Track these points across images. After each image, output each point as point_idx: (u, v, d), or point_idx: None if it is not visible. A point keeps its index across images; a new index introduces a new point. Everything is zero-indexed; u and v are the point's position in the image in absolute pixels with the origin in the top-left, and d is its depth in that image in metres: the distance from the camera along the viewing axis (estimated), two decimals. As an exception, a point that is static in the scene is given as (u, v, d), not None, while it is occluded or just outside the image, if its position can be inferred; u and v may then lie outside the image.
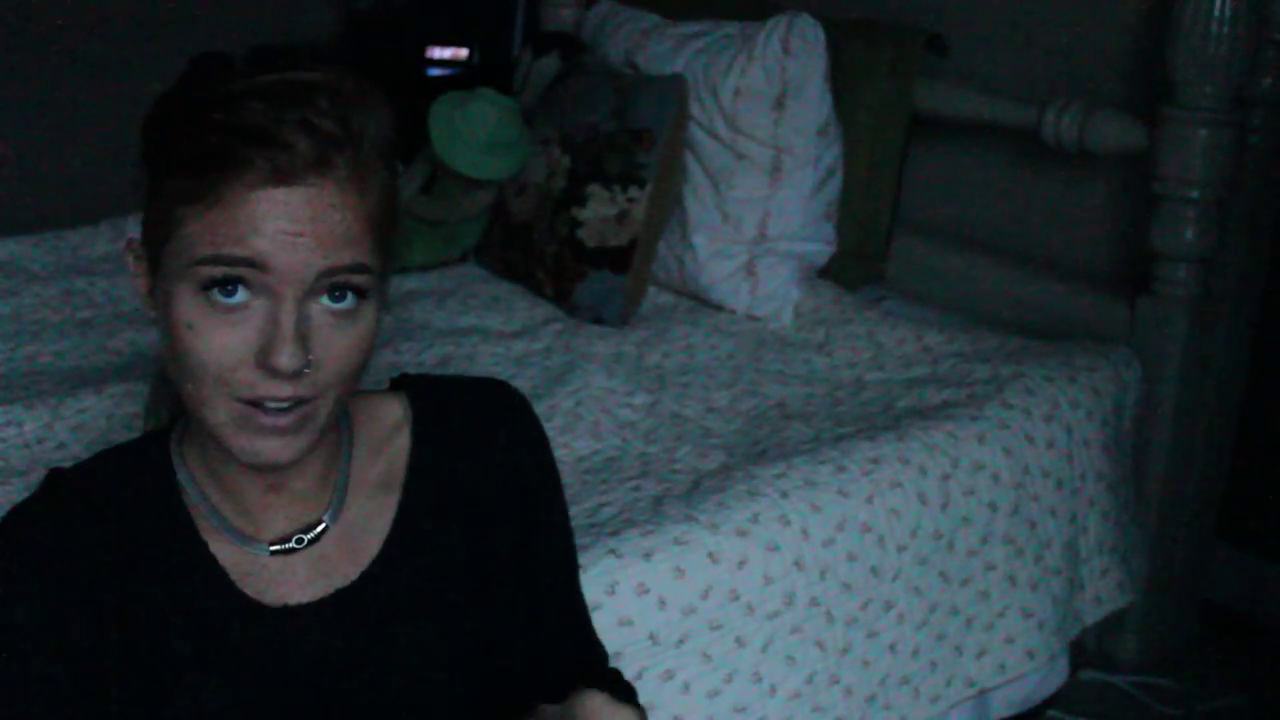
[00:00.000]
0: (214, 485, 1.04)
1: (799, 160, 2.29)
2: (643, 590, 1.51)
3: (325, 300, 0.94)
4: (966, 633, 1.82)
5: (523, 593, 1.11)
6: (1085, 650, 2.20)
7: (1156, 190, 2.09)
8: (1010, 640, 1.85)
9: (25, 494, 1.06)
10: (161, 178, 0.95)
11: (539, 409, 1.17)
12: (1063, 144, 2.19)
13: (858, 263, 2.43)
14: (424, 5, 3.23)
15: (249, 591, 1.03)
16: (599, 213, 2.28)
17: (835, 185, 2.35)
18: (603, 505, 1.66)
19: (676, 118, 2.30)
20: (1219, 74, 2.00)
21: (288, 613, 1.03)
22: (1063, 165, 2.34)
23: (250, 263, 0.91)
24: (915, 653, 1.77)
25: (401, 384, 1.14)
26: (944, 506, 1.78)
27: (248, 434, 0.95)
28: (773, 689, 1.62)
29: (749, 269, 2.29)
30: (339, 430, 1.07)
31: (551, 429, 1.19)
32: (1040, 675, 1.92)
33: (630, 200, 2.27)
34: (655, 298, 2.37)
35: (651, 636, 1.52)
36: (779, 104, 2.26)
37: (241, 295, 0.92)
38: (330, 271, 0.93)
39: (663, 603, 1.52)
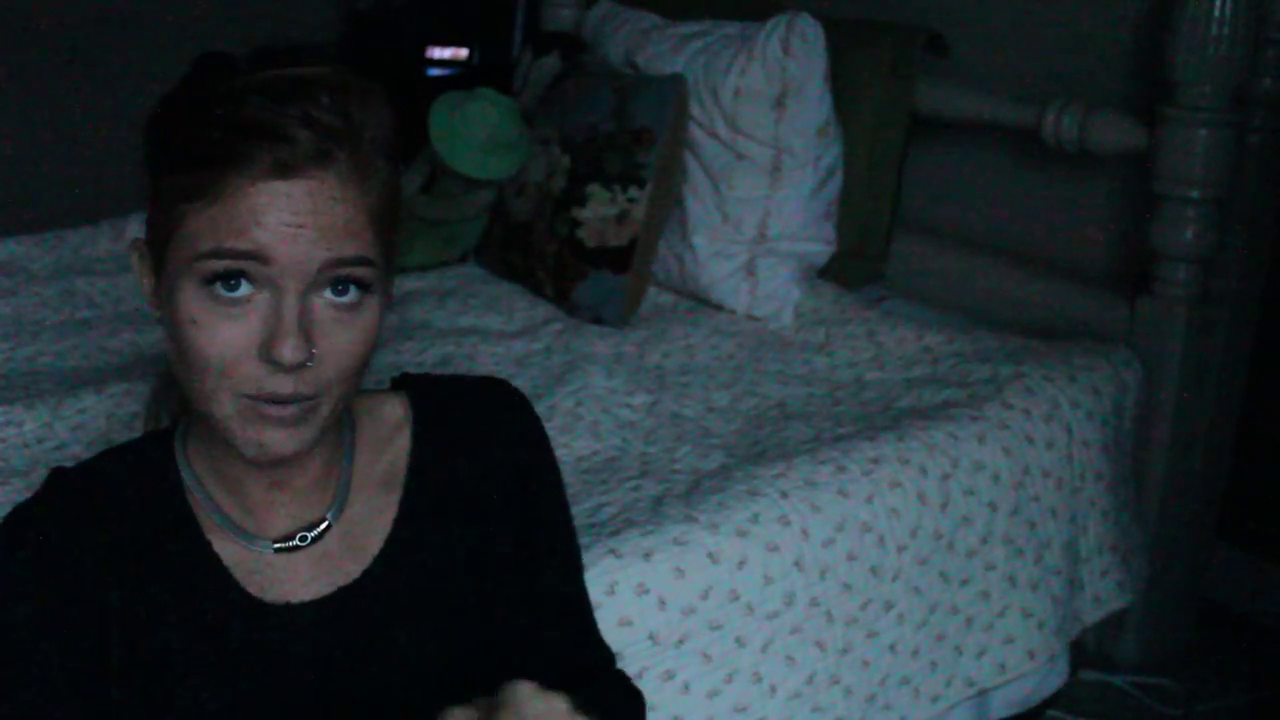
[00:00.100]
0: (217, 483, 1.04)
1: (799, 160, 2.29)
2: (643, 590, 1.51)
3: (328, 293, 0.94)
4: (966, 633, 1.82)
5: (523, 592, 1.11)
6: (1085, 650, 2.20)
7: (1156, 190, 2.09)
8: (1010, 640, 1.85)
9: (25, 494, 1.06)
10: (164, 176, 0.96)
11: (539, 409, 1.17)
12: (1063, 144, 2.19)
13: (858, 263, 2.43)
14: (424, 5, 3.23)
15: (251, 589, 1.03)
16: (599, 213, 2.29)
17: (835, 185, 2.35)
18: (603, 505, 1.66)
19: (676, 118, 2.30)
20: (1219, 74, 2.00)
21: (290, 610, 1.03)
22: (1063, 165, 2.34)
23: (252, 255, 0.92)
24: (915, 653, 1.77)
25: (403, 383, 1.14)
26: (944, 506, 1.78)
27: (253, 426, 0.95)
28: (773, 689, 1.62)
29: (749, 269, 2.29)
30: (341, 429, 1.07)
31: (551, 429, 1.20)
32: (1040, 675, 1.92)
33: (630, 200, 2.27)
34: (655, 298, 2.37)
35: (651, 636, 1.52)
36: (779, 104, 2.26)
37: (245, 289, 0.93)
38: (332, 263, 0.93)
39: (663, 603, 1.53)
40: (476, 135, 2.37)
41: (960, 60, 2.40)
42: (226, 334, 0.93)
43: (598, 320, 2.27)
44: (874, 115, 2.39)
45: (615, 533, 1.56)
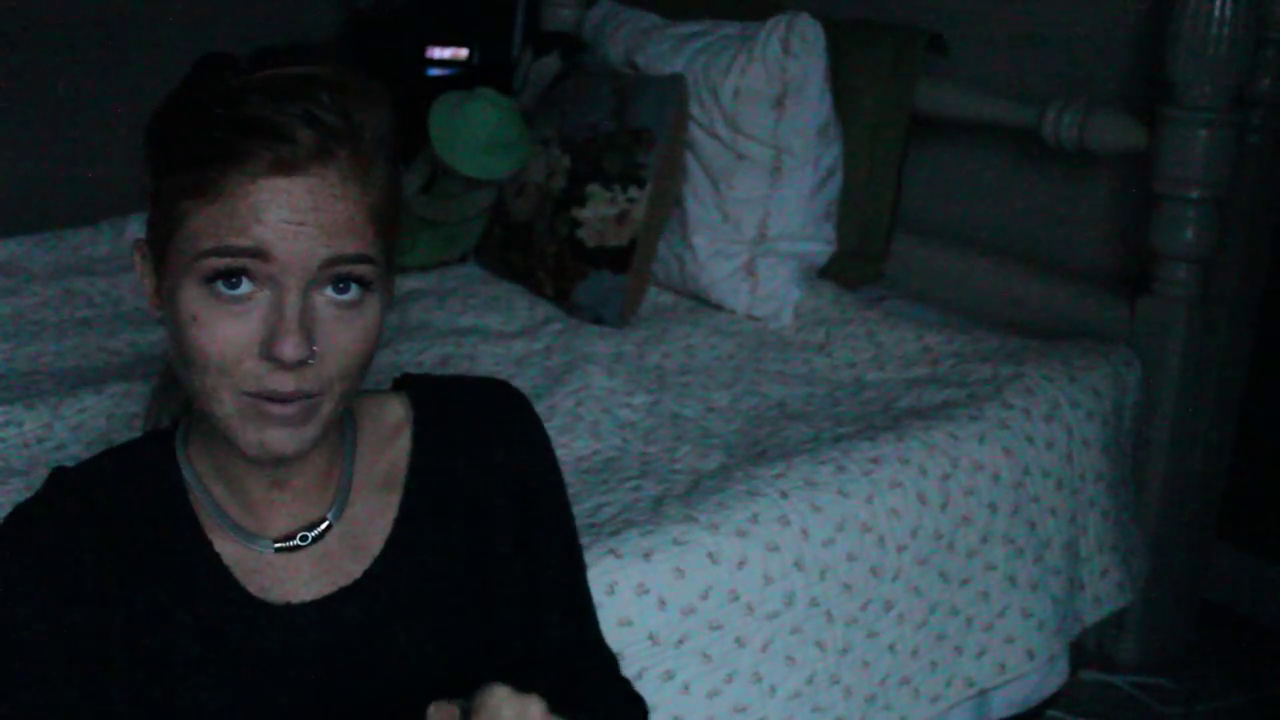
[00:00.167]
0: (218, 483, 1.04)
1: (799, 160, 2.29)
2: (642, 590, 1.51)
3: (329, 291, 0.94)
4: (966, 633, 1.82)
5: (523, 593, 1.11)
6: (1085, 650, 2.20)
7: (1156, 190, 2.09)
8: (1010, 640, 1.85)
9: (25, 494, 1.06)
10: (165, 175, 0.96)
11: (539, 409, 1.17)
12: (1063, 144, 2.19)
13: (858, 263, 2.43)
14: (424, 5, 3.23)
15: (252, 589, 1.03)
16: (599, 213, 2.29)
17: (835, 185, 2.35)
18: (603, 505, 1.66)
19: (676, 118, 2.30)
20: (1219, 74, 2.00)
21: (290, 610, 1.03)
22: (1063, 165, 2.34)
23: (253, 252, 0.92)
24: (915, 653, 1.77)
25: (404, 384, 1.14)
26: (944, 506, 1.78)
27: (255, 425, 0.95)
28: (773, 689, 1.62)
29: (749, 269, 2.29)
30: (342, 429, 1.07)
31: (551, 429, 1.20)
32: (1040, 675, 1.92)
33: (630, 200, 2.27)
34: (655, 298, 2.37)
35: (651, 636, 1.52)
36: (779, 104, 2.26)
37: (246, 287, 0.93)
38: (333, 261, 0.93)
39: (662, 603, 1.53)
40: (476, 135, 2.37)
41: (960, 60, 2.40)
42: (228, 331, 0.93)
43: (598, 320, 2.27)
44: (874, 115, 2.39)
45: (615, 533, 1.56)
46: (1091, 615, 2.00)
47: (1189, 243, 2.09)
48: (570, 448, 1.83)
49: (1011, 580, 1.85)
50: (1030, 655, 1.87)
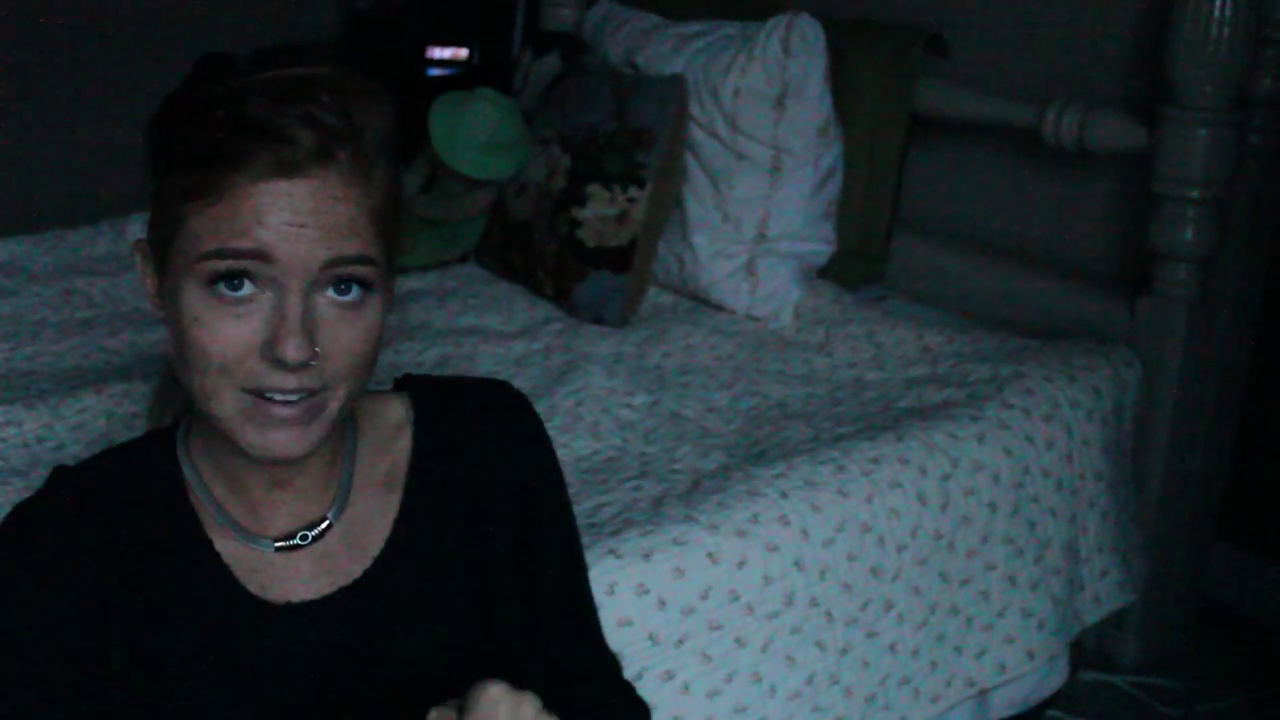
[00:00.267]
0: (219, 481, 1.04)
1: (799, 160, 2.29)
2: (642, 590, 1.51)
3: (331, 292, 0.95)
4: (966, 633, 1.82)
5: (523, 593, 1.11)
6: (1085, 650, 2.20)
7: (1156, 190, 2.09)
8: (1010, 640, 1.85)
9: (25, 494, 1.06)
10: (165, 176, 0.96)
11: (539, 409, 1.17)
12: (1063, 144, 2.19)
13: (858, 263, 2.43)
14: (424, 5, 3.23)
15: (252, 588, 1.03)
16: (599, 213, 2.29)
17: (835, 185, 2.35)
18: (603, 505, 1.66)
19: (676, 118, 2.30)
20: (1219, 74, 2.00)
21: (290, 609, 1.03)
22: (1063, 165, 2.34)
23: (255, 255, 0.92)
24: (915, 653, 1.77)
25: (404, 384, 1.14)
26: (944, 506, 1.78)
27: (257, 427, 0.95)
28: (773, 689, 1.62)
29: (749, 269, 2.29)
30: (343, 429, 1.07)
31: (551, 429, 1.20)
32: (1040, 675, 1.92)
33: (630, 200, 2.27)
34: (655, 298, 2.37)
35: (651, 637, 1.52)
36: (779, 104, 2.26)
37: (248, 288, 0.93)
38: (334, 262, 0.93)
39: (662, 603, 1.53)
40: (476, 135, 2.37)
41: (960, 60, 2.40)
42: (230, 333, 0.93)
43: (598, 320, 2.27)
44: (874, 115, 2.39)
45: (615, 533, 1.56)
46: (1091, 615, 2.00)
47: (1189, 243, 2.09)
48: (570, 448, 1.83)
49: (1011, 580, 1.85)
50: (1030, 655, 1.87)
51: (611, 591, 1.48)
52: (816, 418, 1.94)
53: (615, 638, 1.41)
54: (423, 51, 3.22)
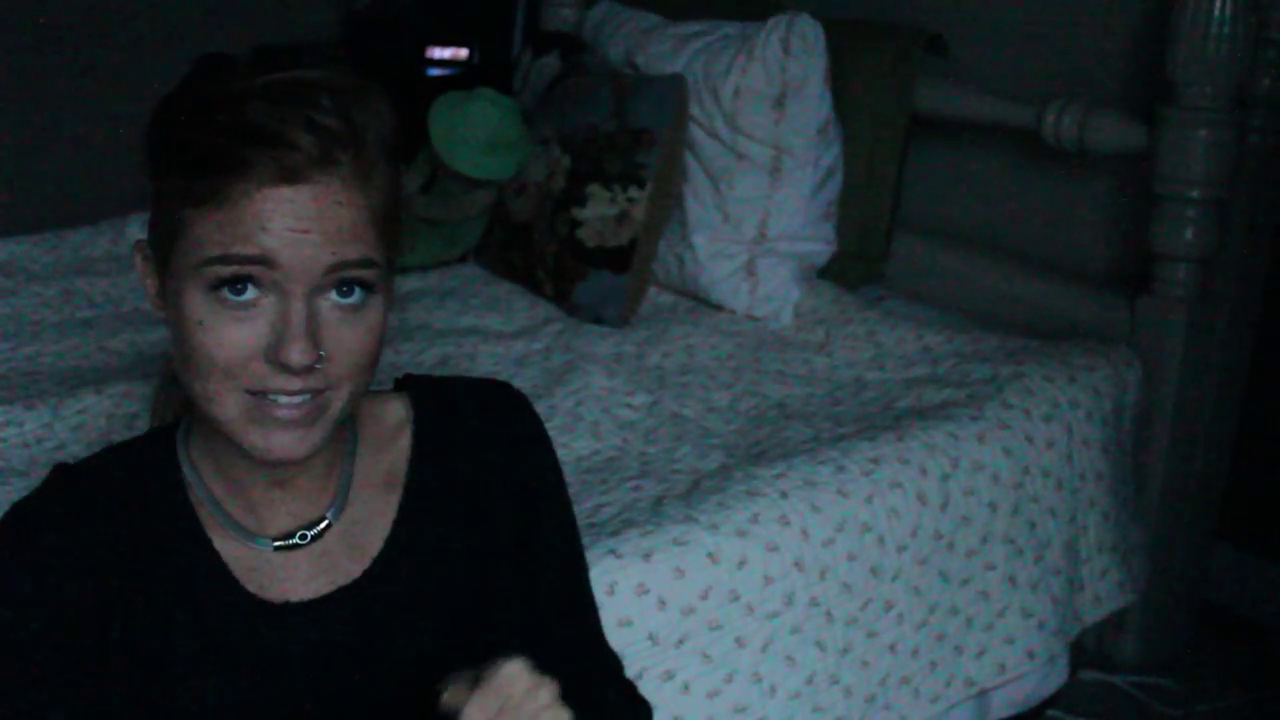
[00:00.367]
0: (218, 481, 1.04)
1: (799, 160, 2.29)
2: (642, 590, 1.51)
3: (333, 295, 0.95)
4: (966, 633, 1.82)
5: (523, 593, 1.11)
6: (1085, 650, 2.20)
7: (1156, 190, 2.09)
8: (1010, 640, 1.85)
9: (26, 494, 1.06)
10: (167, 179, 0.96)
11: (539, 409, 1.17)
12: (1063, 144, 2.19)
13: (858, 263, 2.43)
14: (424, 5, 3.23)
15: (251, 587, 1.03)
16: (599, 213, 2.29)
17: (835, 185, 2.35)
18: (603, 505, 1.66)
19: (676, 118, 2.30)
20: (1219, 74, 2.00)
21: (289, 609, 1.03)
22: (1063, 165, 2.34)
23: (259, 260, 0.92)
24: (915, 653, 1.77)
25: (404, 385, 1.15)
26: (944, 506, 1.78)
27: (260, 429, 0.95)
28: (773, 689, 1.62)
29: (749, 269, 2.29)
30: (343, 429, 1.07)
31: (551, 429, 1.20)
32: (1040, 675, 1.92)
33: (630, 200, 2.27)
34: (655, 298, 2.37)
35: (651, 637, 1.52)
36: (779, 104, 2.26)
37: (251, 293, 0.93)
38: (337, 267, 0.94)
39: (662, 603, 1.53)
40: (476, 135, 2.37)
41: (960, 60, 2.40)
42: (233, 336, 0.93)
43: (598, 320, 2.27)
44: (874, 115, 2.39)
45: (615, 533, 1.56)
46: (1091, 615, 2.00)
47: (1189, 243, 2.09)
48: (570, 448, 1.83)
49: (1011, 580, 1.85)
50: (1030, 655, 1.87)
51: (611, 591, 1.48)
52: (816, 418, 1.94)
53: (615, 638, 1.41)
54: (423, 51, 3.21)
